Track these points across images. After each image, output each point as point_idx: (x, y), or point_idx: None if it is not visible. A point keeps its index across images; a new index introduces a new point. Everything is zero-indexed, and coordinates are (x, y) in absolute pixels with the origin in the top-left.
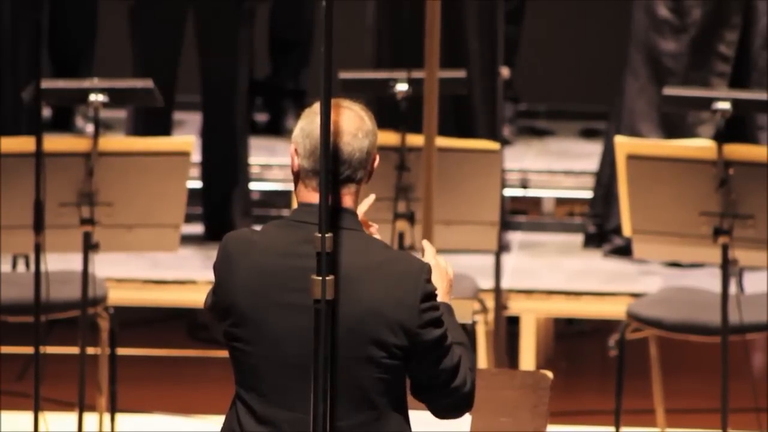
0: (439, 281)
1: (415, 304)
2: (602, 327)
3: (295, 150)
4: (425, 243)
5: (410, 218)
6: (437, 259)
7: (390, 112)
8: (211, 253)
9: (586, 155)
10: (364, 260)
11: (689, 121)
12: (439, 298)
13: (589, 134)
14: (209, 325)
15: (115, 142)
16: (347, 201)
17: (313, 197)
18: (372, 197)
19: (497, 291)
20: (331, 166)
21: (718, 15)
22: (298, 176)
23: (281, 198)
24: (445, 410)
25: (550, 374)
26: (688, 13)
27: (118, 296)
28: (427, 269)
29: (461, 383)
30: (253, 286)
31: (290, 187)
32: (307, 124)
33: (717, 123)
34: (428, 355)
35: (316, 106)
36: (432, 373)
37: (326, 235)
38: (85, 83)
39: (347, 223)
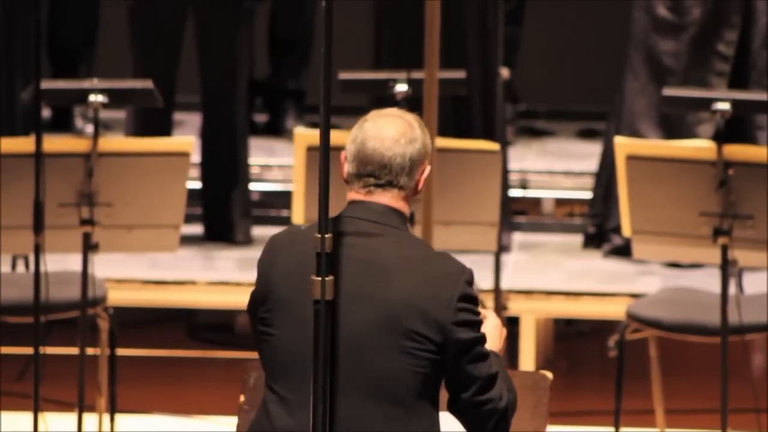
0: (494, 332)
1: (451, 301)
2: (602, 327)
3: (345, 156)
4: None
5: (410, 219)
6: (494, 315)
7: None
8: (211, 254)
9: (586, 156)
10: (406, 254)
11: (689, 120)
12: (490, 347)
13: (588, 134)
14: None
15: (115, 142)
16: (392, 204)
17: (359, 197)
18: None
19: (497, 291)
20: (325, 166)
21: (718, 14)
22: (347, 180)
23: (281, 198)
24: (478, 425)
25: (549, 374)
26: (687, 13)
27: (117, 297)
28: (468, 273)
29: (497, 396)
30: (293, 273)
31: (289, 187)
32: (356, 130)
33: (717, 123)
34: (463, 356)
35: (370, 114)
36: (467, 377)
37: (326, 236)
38: (85, 83)
39: (387, 221)
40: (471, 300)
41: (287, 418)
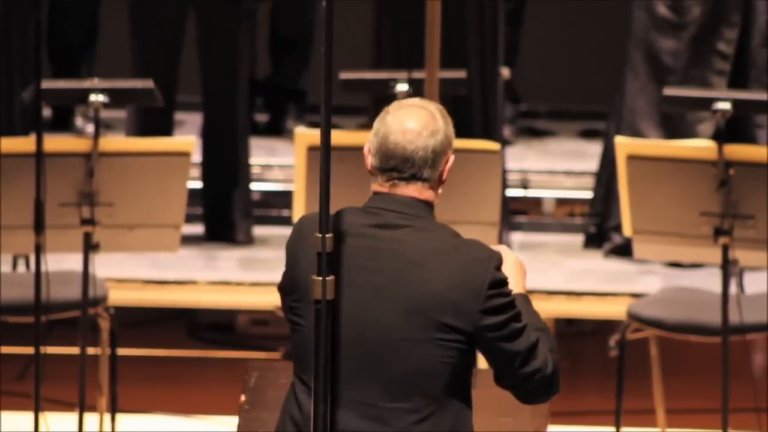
0: (513, 271)
1: (481, 289)
2: (603, 327)
3: (369, 149)
4: (501, 247)
5: None
6: (510, 252)
7: None
8: (212, 253)
9: (587, 155)
10: (433, 244)
11: (689, 119)
12: (514, 288)
13: (588, 134)
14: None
15: (116, 142)
16: (417, 195)
17: (383, 190)
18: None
19: None
20: (326, 166)
21: (718, 13)
22: (371, 173)
23: (281, 198)
24: (530, 395)
25: None
26: (687, 11)
27: (118, 296)
28: (497, 257)
29: (542, 365)
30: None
31: (290, 187)
32: (378, 123)
33: (717, 122)
34: (496, 339)
35: (392, 106)
36: (507, 356)
37: (326, 235)
38: (85, 83)
39: (414, 211)
40: (501, 284)
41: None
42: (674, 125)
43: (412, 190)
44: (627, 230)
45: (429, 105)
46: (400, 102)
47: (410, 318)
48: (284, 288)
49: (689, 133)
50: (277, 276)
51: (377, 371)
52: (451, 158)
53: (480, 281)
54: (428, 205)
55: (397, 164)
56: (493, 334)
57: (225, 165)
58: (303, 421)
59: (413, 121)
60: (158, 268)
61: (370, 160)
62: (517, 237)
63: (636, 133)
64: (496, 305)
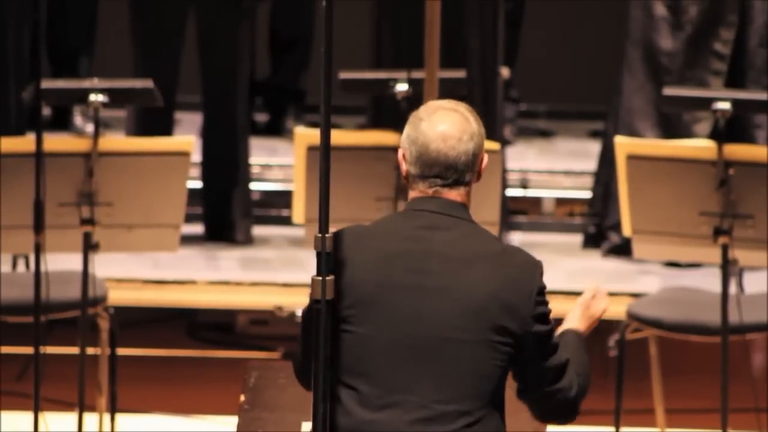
0: (578, 310)
1: (531, 294)
2: (602, 327)
3: (403, 155)
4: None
5: None
6: (590, 293)
7: (390, 113)
8: (212, 253)
9: (586, 155)
10: (482, 247)
11: (686, 119)
12: (577, 325)
13: (588, 134)
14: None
15: (115, 142)
16: (459, 199)
17: (426, 194)
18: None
19: None
20: (326, 165)
21: (715, 13)
22: (407, 179)
23: (281, 198)
24: (549, 414)
25: None
26: (684, 11)
27: (118, 296)
28: (541, 264)
29: (567, 386)
30: (374, 267)
31: (290, 187)
32: (413, 130)
33: (718, 122)
34: (536, 349)
35: (422, 111)
36: (539, 370)
37: (326, 235)
38: (85, 83)
39: (459, 214)
40: (544, 291)
41: (370, 413)
42: (671, 125)
43: (455, 195)
44: (626, 230)
45: (459, 107)
46: (429, 106)
47: (469, 319)
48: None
49: (686, 132)
50: (277, 276)
51: (433, 372)
52: (486, 157)
53: (530, 286)
54: (467, 208)
55: (440, 171)
56: (535, 342)
57: (225, 165)
58: (353, 428)
59: (451, 126)
60: (158, 268)
61: (406, 168)
62: (516, 237)
63: (633, 132)
64: (542, 312)
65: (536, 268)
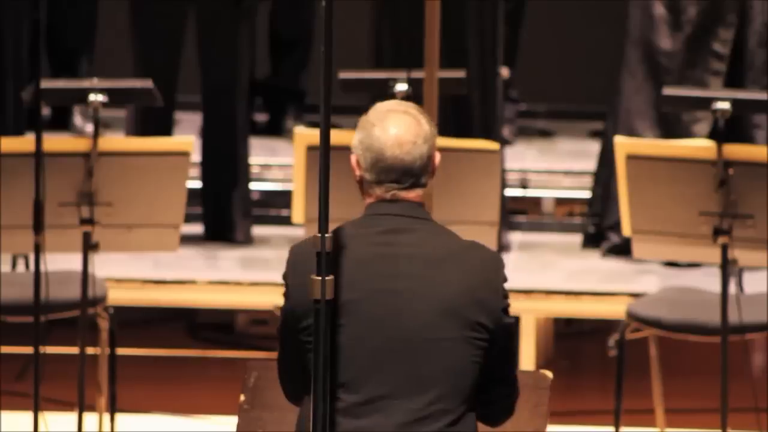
0: None
1: (499, 287)
2: (602, 327)
3: (357, 161)
4: None
5: None
6: None
7: None
8: (212, 253)
9: (586, 155)
10: (447, 246)
11: (685, 119)
12: None
13: (588, 134)
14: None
15: (115, 142)
16: (417, 199)
17: (383, 198)
18: None
19: None
20: (325, 165)
21: (714, 13)
22: (361, 184)
23: (281, 198)
24: (499, 414)
25: (549, 374)
26: (683, 11)
27: (117, 296)
28: (502, 258)
29: (517, 386)
30: (344, 276)
31: (289, 187)
32: (366, 136)
33: (717, 122)
34: (505, 340)
35: (372, 116)
36: (507, 361)
37: (326, 235)
38: (85, 83)
39: (420, 214)
40: (505, 284)
41: (354, 421)
42: (670, 125)
43: (413, 196)
44: (626, 230)
45: (409, 108)
46: (379, 110)
47: (445, 317)
48: (295, 317)
49: (685, 133)
50: (277, 276)
51: (414, 374)
52: (438, 155)
53: (497, 280)
54: (424, 207)
55: (397, 177)
56: (505, 334)
57: (224, 165)
58: None
59: (404, 130)
60: (158, 268)
61: (361, 174)
62: (516, 237)
63: (632, 132)
64: (508, 305)
65: (500, 262)
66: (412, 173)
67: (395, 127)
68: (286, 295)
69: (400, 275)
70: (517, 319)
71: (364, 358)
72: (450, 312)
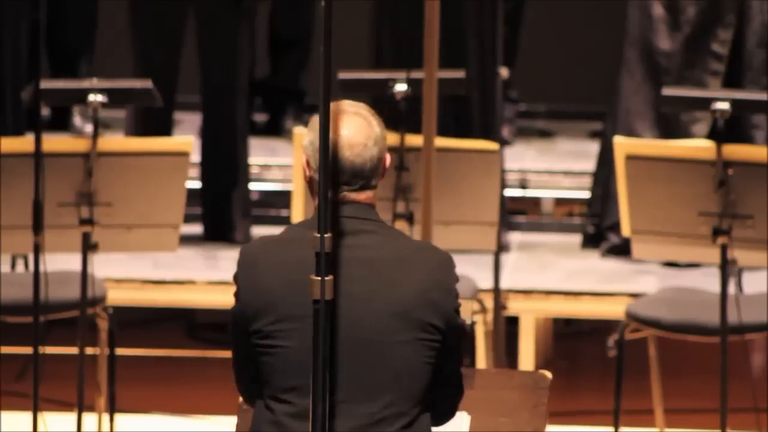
0: None
1: (450, 288)
2: (601, 327)
3: (307, 162)
4: None
5: (409, 218)
6: None
7: (389, 113)
8: (211, 253)
9: (586, 155)
10: (399, 247)
11: (683, 119)
12: None
13: (587, 134)
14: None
15: (115, 142)
16: (367, 201)
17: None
18: None
19: (496, 291)
20: (331, 168)
21: (713, 13)
22: (311, 184)
23: (281, 198)
24: (445, 412)
25: (549, 374)
26: (682, 11)
27: (117, 296)
28: (452, 258)
29: (461, 386)
30: (297, 281)
31: (290, 187)
32: (317, 137)
33: (717, 122)
34: (456, 340)
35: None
36: (456, 360)
37: (326, 235)
38: (85, 83)
39: (371, 216)
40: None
41: (304, 426)
42: (669, 125)
43: (364, 197)
44: (626, 230)
45: (360, 110)
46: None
47: (398, 320)
48: (246, 318)
49: (684, 133)
50: None
51: (367, 377)
52: (389, 157)
53: (450, 281)
54: (374, 209)
55: (347, 179)
56: (456, 334)
57: (224, 165)
58: None
59: (355, 132)
60: (157, 268)
61: (310, 174)
62: (515, 237)
63: (631, 133)
64: (458, 305)
65: (451, 262)
66: (362, 175)
67: (346, 128)
68: (236, 295)
69: (354, 279)
70: (473, 323)
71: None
72: (402, 314)
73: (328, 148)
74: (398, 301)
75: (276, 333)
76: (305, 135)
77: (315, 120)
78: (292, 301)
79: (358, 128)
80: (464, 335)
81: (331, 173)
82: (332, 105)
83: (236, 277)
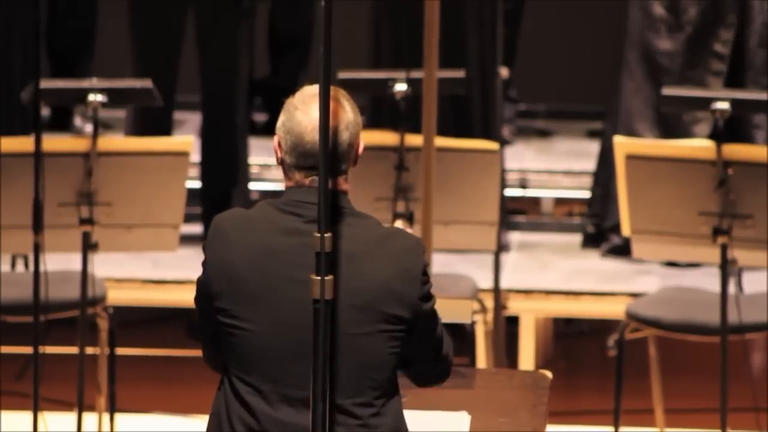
0: None
1: (418, 276)
2: (601, 327)
3: (278, 143)
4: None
5: (409, 218)
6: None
7: (389, 112)
8: None
9: (586, 155)
10: (365, 236)
11: (684, 119)
12: None
13: (587, 134)
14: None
15: (114, 142)
16: (338, 187)
17: (303, 183)
18: None
19: (496, 291)
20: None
21: (714, 13)
22: (282, 165)
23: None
24: (433, 379)
25: (549, 374)
26: (683, 12)
27: (117, 296)
28: (421, 243)
29: (447, 351)
30: (258, 263)
31: None
32: (288, 119)
33: (717, 122)
34: (425, 326)
35: (297, 99)
36: (432, 342)
37: (326, 235)
38: (84, 83)
39: (340, 203)
40: (427, 270)
41: (270, 410)
42: (670, 125)
43: (332, 184)
44: (626, 230)
45: (336, 93)
46: (305, 93)
47: (361, 312)
48: (210, 293)
49: (685, 133)
50: None
51: (333, 370)
52: (362, 144)
53: (416, 269)
54: (346, 195)
55: (316, 163)
56: (425, 320)
57: (224, 164)
58: (259, 423)
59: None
60: (157, 268)
61: (282, 156)
62: (515, 237)
63: (632, 133)
64: (428, 291)
65: (419, 247)
66: (332, 159)
67: (318, 111)
68: (203, 265)
69: (314, 267)
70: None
71: (279, 350)
72: (365, 307)
73: (327, 150)
74: (360, 293)
75: (238, 315)
76: (280, 116)
77: (289, 101)
78: (252, 285)
79: (331, 112)
80: (435, 316)
81: (303, 156)
82: (307, 88)
83: (205, 248)
